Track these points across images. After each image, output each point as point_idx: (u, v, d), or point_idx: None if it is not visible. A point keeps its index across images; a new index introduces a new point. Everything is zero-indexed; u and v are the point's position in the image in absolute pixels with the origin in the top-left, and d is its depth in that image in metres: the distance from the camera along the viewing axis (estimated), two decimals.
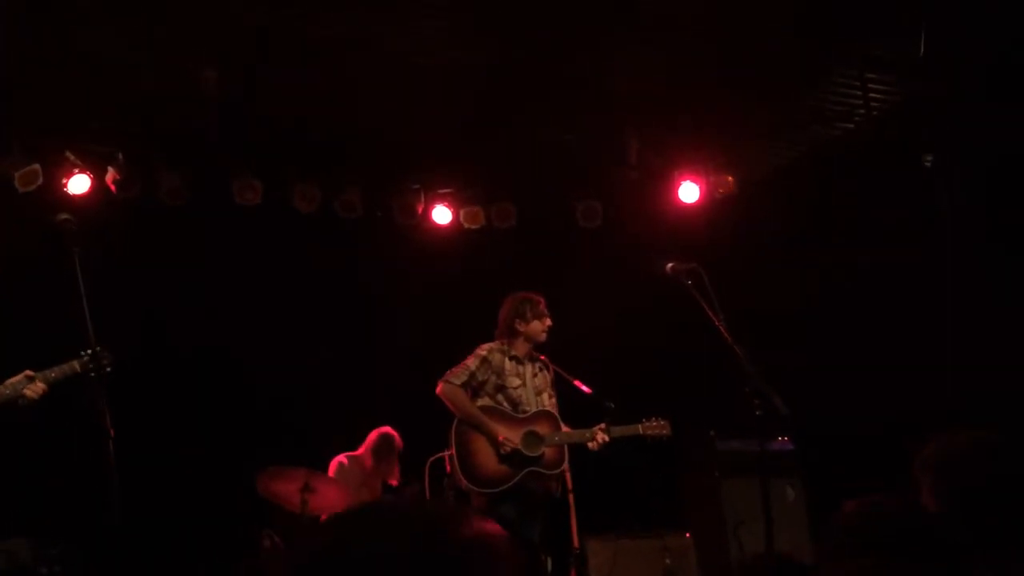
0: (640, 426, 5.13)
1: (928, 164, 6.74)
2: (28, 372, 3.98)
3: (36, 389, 3.95)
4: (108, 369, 3.90)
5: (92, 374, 3.95)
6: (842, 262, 6.69)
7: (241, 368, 6.42)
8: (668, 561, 5.74)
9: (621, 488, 6.09)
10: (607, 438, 5.04)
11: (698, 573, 5.79)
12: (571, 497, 5.15)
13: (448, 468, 5.47)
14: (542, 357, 5.26)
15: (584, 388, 5.21)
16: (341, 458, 5.88)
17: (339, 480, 5.64)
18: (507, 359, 5.15)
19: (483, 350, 5.16)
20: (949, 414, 5.33)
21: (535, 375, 5.21)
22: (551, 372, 5.27)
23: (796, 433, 6.02)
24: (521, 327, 5.16)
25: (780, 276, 6.80)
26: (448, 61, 5.80)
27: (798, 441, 6.16)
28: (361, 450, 5.95)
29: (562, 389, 5.28)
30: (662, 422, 5.14)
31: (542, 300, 5.24)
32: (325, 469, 5.73)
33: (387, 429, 5.96)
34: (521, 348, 5.18)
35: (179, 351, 6.41)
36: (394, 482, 5.88)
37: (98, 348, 3.91)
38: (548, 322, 5.20)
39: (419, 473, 5.58)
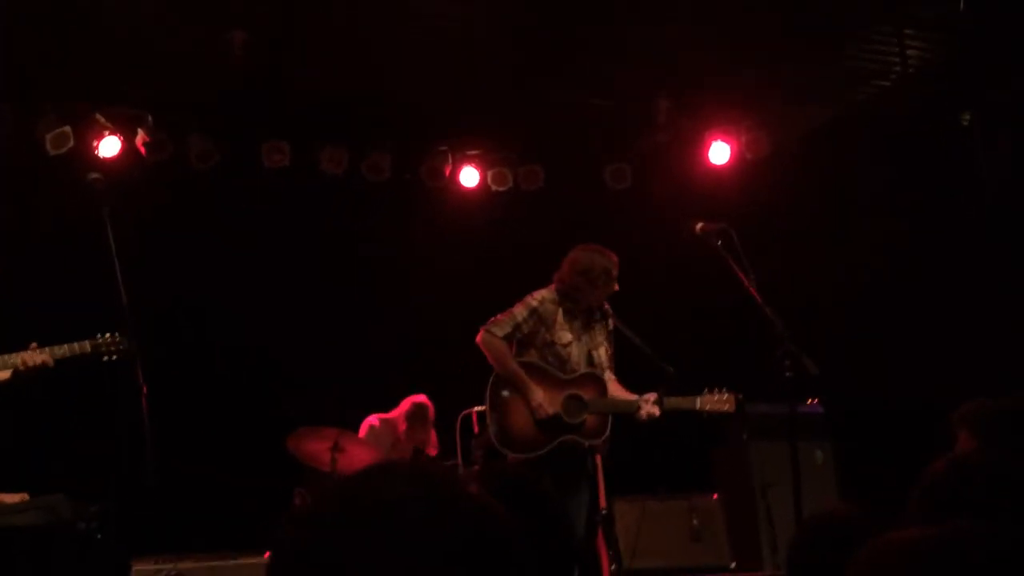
0: (698, 399, 4.63)
1: (966, 123, 6.60)
2: (34, 344, 3.97)
3: (35, 358, 3.92)
4: (117, 357, 3.86)
5: (105, 358, 3.94)
6: (877, 226, 6.58)
7: (271, 328, 6.48)
8: (696, 522, 5.74)
9: (649, 450, 6.08)
10: (658, 412, 4.58)
11: (726, 535, 5.80)
12: (599, 458, 5.03)
13: (476, 427, 5.48)
14: (604, 306, 4.80)
15: (644, 348, 4.79)
16: (372, 419, 5.93)
17: (369, 441, 5.68)
18: (561, 311, 4.70)
19: (535, 299, 4.70)
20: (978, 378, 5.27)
21: (591, 328, 4.77)
22: (610, 323, 4.82)
23: (825, 396, 5.97)
24: (585, 292, 4.67)
25: (812, 239, 6.71)
26: (475, 21, 5.74)
27: (827, 404, 6.11)
28: (394, 413, 5.99)
29: (619, 344, 4.87)
30: (725, 396, 4.60)
31: (617, 263, 4.68)
32: (356, 430, 5.79)
33: (421, 398, 5.95)
34: (579, 303, 4.72)
35: (210, 312, 6.48)
36: (433, 451, 5.89)
37: (115, 334, 3.88)
38: (615, 288, 4.70)
39: (450, 429, 5.58)
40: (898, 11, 5.99)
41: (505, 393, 4.67)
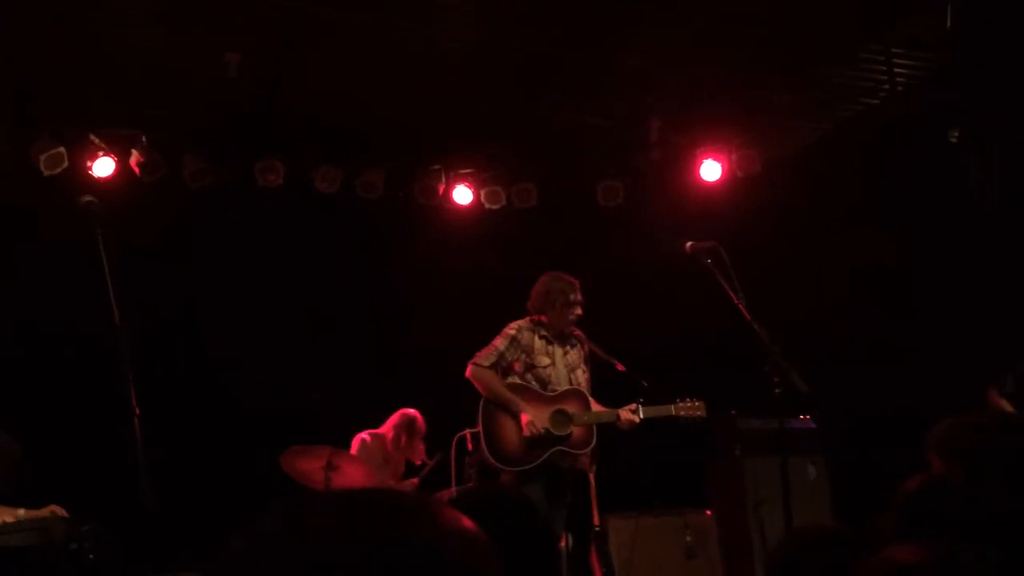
0: (673, 407, 5.00)
1: (955, 140, 6.65)
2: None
3: None
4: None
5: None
6: (868, 242, 6.61)
7: (266, 347, 6.49)
8: (689, 539, 5.76)
9: (643, 466, 6.10)
10: (638, 419, 4.92)
11: (719, 551, 5.81)
12: (591, 475, 5.11)
13: (470, 446, 5.50)
14: (576, 332, 5.14)
15: (618, 365, 5.11)
16: (364, 435, 5.93)
17: (361, 457, 5.69)
18: (537, 337, 5.05)
19: (512, 329, 5.06)
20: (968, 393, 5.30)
21: (567, 353, 5.10)
22: (585, 348, 5.16)
23: (817, 411, 5.99)
24: (550, 315, 5.03)
25: (802, 255, 6.75)
26: (470, 41, 5.79)
27: (820, 420, 6.13)
28: (383, 428, 6.00)
29: (595, 365, 5.17)
30: (697, 403, 5.00)
31: (577, 287, 5.05)
32: (348, 447, 5.79)
33: (411, 411, 5.97)
34: (551, 328, 5.07)
35: (204, 331, 6.49)
36: (419, 461, 5.92)
37: None
38: (579, 311, 5.04)
39: (441, 445, 5.61)
40: (886, 30, 6.05)
41: (496, 414, 4.93)
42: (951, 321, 6.02)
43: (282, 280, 6.66)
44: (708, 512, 5.96)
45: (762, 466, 5.80)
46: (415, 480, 5.92)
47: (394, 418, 5.97)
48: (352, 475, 5.30)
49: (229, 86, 5.78)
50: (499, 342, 5.02)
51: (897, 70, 6.39)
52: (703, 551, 5.77)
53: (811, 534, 2.02)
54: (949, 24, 5.81)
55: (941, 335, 5.99)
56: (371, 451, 5.85)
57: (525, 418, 4.86)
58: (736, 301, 4.15)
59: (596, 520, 5.28)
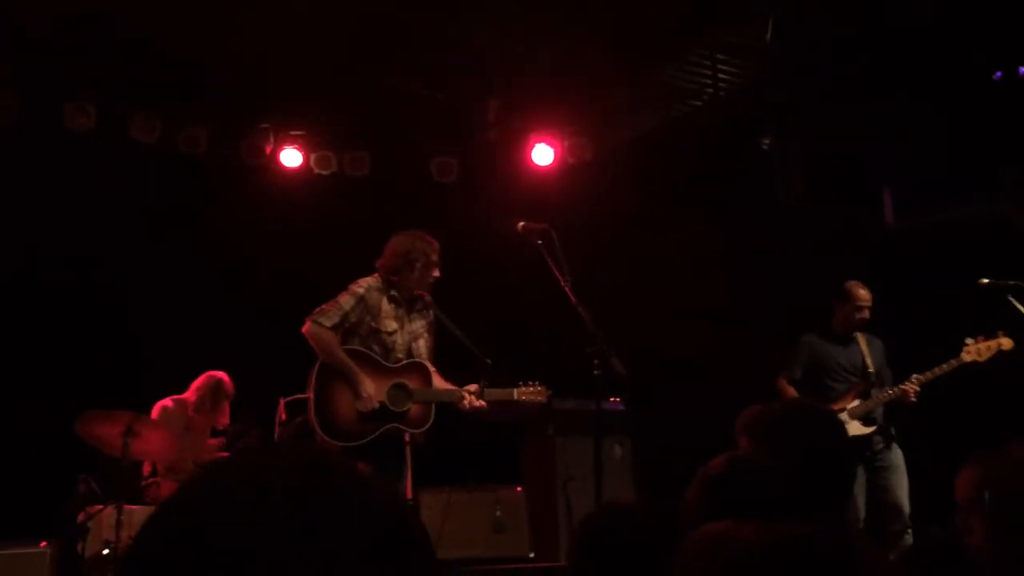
0: (516, 391, 4.82)
1: (766, 146, 7.12)
2: None
3: None
4: None
5: None
6: (688, 236, 6.93)
7: (67, 304, 6.04)
8: (499, 514, 5.88)
9: (460, 442, 6.15)
10: (482, 403, 4.67)
11: (527, 526, 5.97)
12: (408, 449, 5.02)
13: (283, 415, 5.35)
14: (425, 297, 4.85)
15: (464, 340, 4.86)
16: (166, 401, 5.66)
17: (163, 423, 5.42)
18: (386, 299, 4.68)
19: (360, 287, 4.66)
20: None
21: (413, 319, 4.79)
22: (431, 314, 4.88)
23: (628, 395, 6.25)
24: (406, 276, 4.69)
25: (627, 244, 7.01)
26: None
27: (628, 402, 6.41)
28: (187, 393, 5.75)
29: (439, 336, 4.91)
30: (539, 388, 4.83)
31: (437, 248, 4.73)
32: (149, 413, 5.50)
33: (219, 373, 5.77)
34: (403, 290, 4.73)
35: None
36: (225, 422, 5.73)
37: None
38: (437, 274, 4.74)
39: (269, 415, 5.43)
40: (712, 35, 6.37)
41: (331, 381, 4.57)
42: (758, 310, 6.46)
43: (91, 232, 6.19)
44: (518, 489, 6.10)
45: (573, 445, 6.01)
46: (219, 445, 5.74)
47: (198, 381, 5.74)
48: (153, 442, 5.03)
49: (43, 19, 5.30)
50: (344, 300, 4.61)
51: (721, 76, 6.75)
52: (512, 525, 5.91)
53: (618, 509, 2.11)
54: (769, 37, 6.21)
55: (750, 323, 6.40)
56: (173, 417, 5.59)
57: (364, 393, 4.52)
58: (563, 283, 4.25)
59: (409, 493, 5.25)
